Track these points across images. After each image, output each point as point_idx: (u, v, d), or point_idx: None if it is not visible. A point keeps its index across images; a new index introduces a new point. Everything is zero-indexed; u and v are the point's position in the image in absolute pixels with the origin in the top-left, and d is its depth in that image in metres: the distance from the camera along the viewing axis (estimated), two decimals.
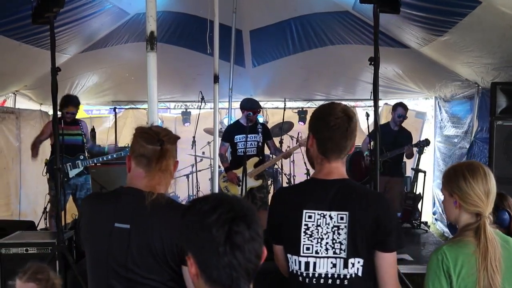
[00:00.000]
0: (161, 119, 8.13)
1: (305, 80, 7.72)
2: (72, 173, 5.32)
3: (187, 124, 8.38)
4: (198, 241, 1.09)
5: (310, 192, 1.83)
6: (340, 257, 1.74)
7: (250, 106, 5.38)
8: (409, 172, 7.09)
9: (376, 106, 3.26)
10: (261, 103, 6.42)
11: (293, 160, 7.05)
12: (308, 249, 1.76)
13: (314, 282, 1.76)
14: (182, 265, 1.69)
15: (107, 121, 8.90)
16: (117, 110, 8.17)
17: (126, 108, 8.71)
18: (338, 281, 1.74)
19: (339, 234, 1.74)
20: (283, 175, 7.17)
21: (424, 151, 6.17)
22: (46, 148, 5.55)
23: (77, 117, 5.63)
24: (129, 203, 1.76)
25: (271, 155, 6.06)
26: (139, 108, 8.64)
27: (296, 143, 5.67)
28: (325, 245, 1.75)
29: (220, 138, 5.49)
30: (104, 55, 6.32)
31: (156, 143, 1.78)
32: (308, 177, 6.36)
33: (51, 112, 6.76)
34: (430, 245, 5.05)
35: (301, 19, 6.06)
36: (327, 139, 1.81)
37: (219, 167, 5.54)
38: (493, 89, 4.36)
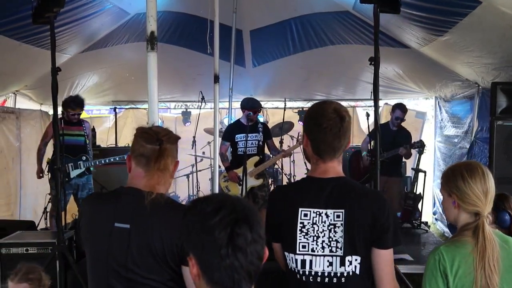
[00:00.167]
0: (161, 119, 8.15)
1: (305, 80, 7.72)
2: (74, 173, 5.32)
3: (187, 124, 8.38)
4: (200, 243, 1.08)
5: (306, 190, 1.83)
6: (336, 255, 1.74)
7: (251, 106, 5.39)
8: (409, 172, 7.09)
9: (376, 106, 3.26)
10: (262, 103, 6.42)
11: (293, 160, 7.06)
12: (304, 247, 1.77)
13: (311, 280, 1.77)
14: (182, 265, 1.69)
15: (107, 121, 8.91)
16: (117, 110, 8.19)
17: (126, 108, 8.71)
18: (335, 279, 1.75)
19: (335, 232, 1.74)
20: (283, 175, 7.17)
21: (424, 151, 6.17)
22: (49, 148, 5.56)
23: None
24: (129, 203, 1.76)
25: (271, 155, 6.07)
26: (139, 108, 8.64)
27: (297, 143, 5.67)
28: (321, 243, 1.75)
29: (221, 138, 5.49)
30: (105, 55, 6.32)
31: (155, 143, 1.78)
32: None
33: (51, 112, 6.76)
34: (430, 245, 5.05)
35: (301, 19, 6.06)
36: (320, 141, 1.81)
37: (219, 167, 5.55)
38: (493, 89, 4.36)
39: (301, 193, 1.83)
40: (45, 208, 5.68)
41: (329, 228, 1.75)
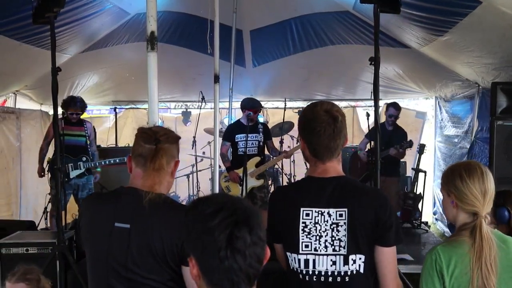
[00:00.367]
0: (161, 119, 8.15)
1: (305, 80, 7.72)
2: (73, 173, 5.31)
3: (188, 124, 8.38)
4: (200, 244, 1.08)
5: (307, 190, 1.84)
6: (340, 254, 1.74)
7: (251, 106, 5.39)
8: (409, 172, 7.09)
9: (376, 106, 3.26)
10: (262, 103, 6.42)
11: (294, 160, 7.06)
12: (307, 246, 1.77)
13: (315, 279, 1.77)
14: (182, 265, 1.69)
15: (107, 121, 8.91)
16: (117, 110, 8.19)
17: (126, 108, 8.71)
18: (339, 278, 1.75)
19: (338, 231, 1.74)
20: (284, 175, 7.17)
21: (425, 151, 6.17)
22: (51, 148, 5.56)
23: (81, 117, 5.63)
24: (129, 203, 1.76)
25: (271, 155, 6.07)
26: (140, 108, 8.64)
27: (297, 143, 5.67)
28: (324, 243, 1.75)
29: (221, 138, 5.49)
30: (105, 55, 6.32)
31: (152, 142, 1.78)
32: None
33: (51, 112, 6.76)
34: (430, 245, 5.06)
35: (301, 19, 6.06)
36: (316, 144, 1.82)
37: (220, 167, 5.55)
38: (494, 89, 4.36)
39: (302, 193, 1.83)
40: (45, 208, 5.68)
41: (332, 227, 1.75)
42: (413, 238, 5.66)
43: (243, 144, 5.32)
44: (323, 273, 1.76)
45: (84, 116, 5.76)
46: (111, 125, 8.55)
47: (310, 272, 1.77)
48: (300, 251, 1.78)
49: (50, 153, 5.51)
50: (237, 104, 6.59)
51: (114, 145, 7.72)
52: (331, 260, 1.75)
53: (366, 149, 5.96)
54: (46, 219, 5.70)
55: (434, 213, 7.39)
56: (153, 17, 2.88)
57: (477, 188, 1.77)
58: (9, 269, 3.65)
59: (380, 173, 3.24)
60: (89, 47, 5.99)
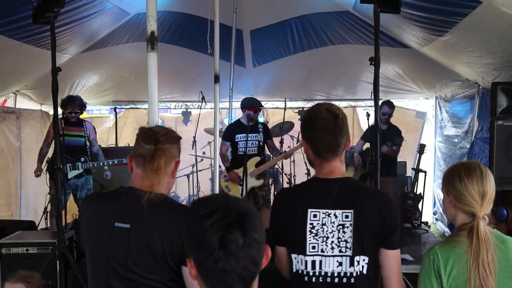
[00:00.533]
0: (161, 119, 8.15)
1: (305, 80, 7.72)
2: (71, 174, 5.31)
3: (189, 124, 8.38)
4: (196, 245, 1.09)
5: (314, 191, 1.84)
6: (346, 255, 1.75)
7: (251, 105, 5.39)
8: (409, 172, 7.09)
9: (376, 106, 3.26)
10: (262, 103, 6.41)
11: (294, 160, 7.05)
12: (314, 248, 1.77)
13: (321, 280, 1.77)
14: (182, 265, 1.68)
15: (107, 121, 8.91)
16: (117, 110, 8.19)
17: (126, 108, 8.72)
18: (344, 279, 1.76)
19: (344, 232, 1.75)
20: (284, 175, 7.17)
21: (425, 151, 6.17)
22: (51, 148, 5.57)
23: (80, 117, 5.63)
24: (129, 203, 1.76)
25: (271, 155, 6.07)
26: (140, 108, 8.64)
27: (297, 143, 5.67)
28: (331, 244, 1.76)
29: (221, 138, 5.49)
30: (105, 55, 6.32)
31: (151, 143, 1.78)
32: (309, 177, 6.33)
33: (51, 112, 6.76)
34: (430, 245, 5.05)
35: (301, 19, 6.06)
36: (318, 142, 1.83)
37: (220, 167, 5.55)
38: (494, 89, 4.35)
39: (309, 194, 1.84)
40: (45, 208, 5.68)
41: (338, 228, 1.76)
42: (413, 238, 5.66)
43: (243, 144, 5.32)
44: (329, 274, 1.77)
45: (84, 116, 5.77)
46: (111, 125, 8.56)
47: (317, 273, 1.78)
48: (307, 253, 1.78)
49: (49, 154, 5.51)
50: (237, 104, 6.59)
51: (114, 145, 7.72)
52: (338, 261, 1.76)
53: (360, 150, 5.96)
54: (46, 219, 5.70)
55: (434, 213, 7.39)
56: (153, 17, 2.88)
57: (475, 189, 1.77)
58: (9, 269, 3.67)
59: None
60: (89, 47, 5.99)
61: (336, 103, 8.54)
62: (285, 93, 7.51)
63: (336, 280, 1.76)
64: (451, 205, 1.84)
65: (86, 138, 5.49)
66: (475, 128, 5.68)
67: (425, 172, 6.36)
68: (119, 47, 6.19)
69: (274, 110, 8.65)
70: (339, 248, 1.75)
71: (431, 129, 8.03)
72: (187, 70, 7.18)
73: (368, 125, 5.52)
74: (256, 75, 7.48)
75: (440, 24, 4.41)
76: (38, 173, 5.41)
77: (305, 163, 6.86)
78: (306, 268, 1.79)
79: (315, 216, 1.78)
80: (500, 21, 3.76)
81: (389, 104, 5.95)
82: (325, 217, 1.77)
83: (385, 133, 5.87)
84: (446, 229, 6.38)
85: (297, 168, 7.21)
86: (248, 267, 1.07)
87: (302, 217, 1.79)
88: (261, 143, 5.53)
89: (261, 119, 6.71)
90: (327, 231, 1.76)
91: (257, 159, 5.46)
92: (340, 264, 1.76)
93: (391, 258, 1.78)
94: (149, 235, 1.69)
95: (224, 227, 1.05)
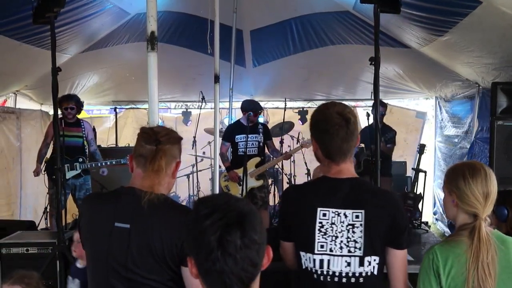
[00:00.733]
0: (161, 119, 8.14)
1: (305, 80, 7.72)
2: (69, 174, 5.30)
3: (189, 124, 8.38)
4: (196, 244, 1.09)
5: (324, 190, 1.85)
6: (355, 256, 1.75)
7: (252, 108, 5.39)
8: (409, 172, 7.09)
9: (376, 106, 3.26)
10: (262, 103, 6.41)
11: (294, 160, 7.05)
12: (322, 246, 1.78)
13: (329, 279, 1.78)
14: (182, 265, 1.68)
15: (107, 121, 8.91)
16: (117, 110, 8.19)
17: (126, 108, 8.72)
18: (353, 279, 1.76)
19: (353, 232, 1.75)
20: (284, 175, 7.16)
21: (425, 151, 6.17)
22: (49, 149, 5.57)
23: (80, 117, 5.63)
24: (129, 203, 1.76)
25: (270, 156, 6.06)
26: (140, 108, 8.64)
27: (297, 144, 5.67)
28: (340, 244, 1.76)
29: (221, 138, 5.49)
30: (105, 55, 6.33)
31: (152, 143, 1.78)
32: (309, 177, 6.31)
33: (51, 112, 6.77)
34: (430, 245, 5.01)
35: (301, 19, 6.06)
36: (329, 146, 1.83)
37: (220, 167, 5.55)
38: (494, 89, 4.36)
39: (319, 193, 1.85)
40: (46, 208, 5.68)
41: (348, 228, 1.76)
42: (413, 238, 5.65)
43: (243, 145, 5.32)
44: (337, 274, 1.77)
45: (84, 116, 5.76)
46: (111, 125, 8.55)
47: (325, 272, 1.78)
48: (316, 251, 1.78)
49: (48, 154, 5.51)
50: (237, 104, 6.59)
51: (114, 145, 7.72)
52: (346, 261, 1.76)
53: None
54: (46, 219, 5.70)
55: (434, 213, 7.39)
56: (153, 17, 2.88)
57: (479, 189, 1.76)
58: (9, 269, 3.67)
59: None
60: (89, 47, 5.99)
61: None
62: (285, 93, 7.51)
63: (344, 280, 1.76)
64: (453, 205, 1.84)
65: (84, 138, 5.49)
66: (475, 128, 5.68)
67: (425, 172, 6.35)
68: (119, 47, 6.20)
69: (274, 110, 8.65)
70: (348, 248, 1.76)
71: (431, 129, 8.03)
72: (187, 70, 7.18)
73: (368, 124, 5.51)
74: (256, 75, 7.49)
75: (440, 24, 4.41)
76: (37, 173, 5.41)
77: (305, 163, 6.89)
78: (314, 266, 1.79)
79: (324, 215, 1.78)
80: (500, 21, 3.76)
81: (382, 103, 5.95)
82: (334, 217, 1.77)
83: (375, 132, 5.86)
84: (446, 229, 6.38)
85: (297, 168, 7.21)
86: (246, 268, 1.06)
87: (312, 216, 1.79)
88: (261, 144, 5.52)
89: (261, 120, 6.71)
90: (336, 230, 1.76)
91: (257, 159, 5.46)
92: (349, 264, 1.76)
93: (399, 258, 1.80)
94: (149, 235, 1.69)
95: (222, 227, 1.05)
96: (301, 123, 8.20)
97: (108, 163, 5.52)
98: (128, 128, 8.70)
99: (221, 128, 6.37)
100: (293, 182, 7.11)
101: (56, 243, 3.68)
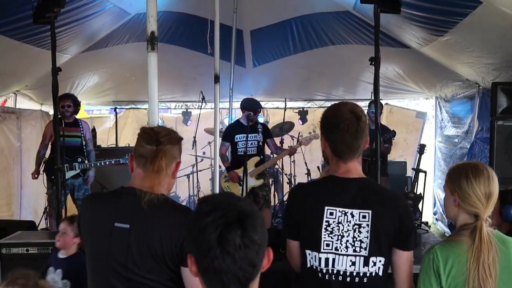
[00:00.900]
0: (161, 119, 8.14)
1: (305, 80, 7.73)
2: (68, 174, 5.29)
3: (189, 123, 8.38)
4: (196, 241, 1.09)
5: (331, 189, 1.85)
6: (360, 255, 1.76)
7: (251, 106, 5.39)
8: (409, 172, 7.09)
9: (376, 106, 3.27)
10: (262, 103, 6.40)
11: (294, 160, 7.05)
12: (328, 245, 1.78)
13: (334, 278, 1.78)
14: (181, 266, 1.68)
15: (107, 121, 8.91)
16: (117, 110, 8.19)
17: (126, 108, 8.72)
18: (357, 279, 1.77)
19: (360, 232, 1.76)
20: (284, 175, 7.17)
21: (425, 151, 6.16)
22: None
23: (78, 117, 5.62)
24: (129, 203, 1.76)
25: (271, 155, 6.06)
26: (140, 108, 8.65)
27: (297, 143, 5.66)
28: (345, 243, 1.77)
29: (221, 138, 5.49)
30: (105, 55, 6.33)
31: (153, 143, 1.78)
32: (309, 177, 6.30)
33: (51, 112, 6.76)
34: (430, 245, 5.00)
35: (301, 19, 6.07)
36: (338, 142, 1.83)
37: (220, 167, 5.55)
38: (494, 89, 4.36)
39: (327, 192, 1.85)
40: (46, 208, 5.67)
41: (354, 228, 1.76)
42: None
43: (243, 144, 5.32)
44: (341, 273, 1.78)
45: (84, 116, 5.76)
46: (111, 125, 8.55)
47: (330, 271, 1.78)
48: (322, 250, 1.78)
49: (47, 155, 5.50)
50: (237, 104, 6.59)
51: (115, 145, 7.72)
52: (351, 260, 1.77)
53: None
54: (46, 219, 5.70)
55: (435, 213, 7.39)
56: (154, 17, 2.88)
57: (481, 190, 1.76)
58: (9, 269, 3.66)
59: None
60: (90, 47, 6.00)
61: (336, 103, 8.56)
62: (285, 93, 7.52)
63: (348, 279, 1.77)
64: (454, 204, 1.83)
65: (83, 138, 5.49)
66: (475, 128, 5.68)
67: (425, 172, 6.34)
68: (119, 47, 6.20)
69: (274, 110, 8.65)
70: (354, 248, 1.76)
71: (431, 129, 8.03)
72: (187, 70, 7.18)
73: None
74: (256, 75, 7.49)
75: (440, 24, 4.41)
76: (36, 175, 5.41)
77: (305, 163, 6.89)
78: (319, 265, 1.79)
79: (331, 214, 1.78)
80: (500, 21, 3.76)
81: (374, 104, 5.93)
82: (341, 216, 1.78)
83: (373, 133, 5.85)
84: (446, 229, 6.37)
85: (297, 168, 7.21)
86: (244, 268, 1.06)
87: (319, 214, 1.79)
88: (260, 143, 5.52)
89: (261, 119, 6.71)
90: (342, 229, 1.77)
91: (257, 159, 5.46)
92: (353, 263, 1.76)
93: (405, 260, 1.80)
94: (149, 235, 1.69)
95: (223, 226, 1.04)
96: (301, 123, 8.21)
97: (107, 162, 5.52)
98: (128, 128, 8.69)
99: (221, 128, 6.37)
100: (293, 182, 7.11)
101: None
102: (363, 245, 1.75)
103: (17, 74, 5.85)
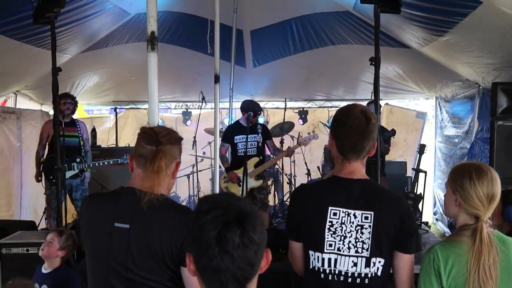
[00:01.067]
0: (162, 119, 8.14)
1: (305, 80, 7.73)
2: (67, 174, 5.29)
3: (188, 123, 8.38)
4: (195, 239, 1.09)
5: (335, 189, 1.85)
6: (362, 256, 1.76)
7: (251, 108, 5.38)
8: (409, 172, 7.09)
9: (376, 106, 3.27)
10: (262, 103, 6.41)
11: (294, 160, 7.05)
12: (330, 245, 1.79)
13: (335, 278, 1.79)
14: (181, 266, 1.68)
15: (107, 121, 8.90)
16: (118, 110, 8.19)
17: (126, 108, 8.72)
18: (358, 280, 1.78)
19: (362, 233, 1.77)
20: (284, 175, 7.17)
21: (425, 151, 6.16)
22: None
23: (78, 117, 5.63)
24: (129, 203, 1.76)
25: (271, 156, 6.06)
26: (140, 108, 8.65)
27: (297, 143, 5.66)
28: (348, 244, 1.77)
29: (220, 139, 5.48)
30: (105, 55, 6.33)
31: (153, 144, 1.78)
32: (309, 177, 6.29)
33: (51, 112, 6.77)
34: (430, 245, 5.01)
35: (301, 19, 6.07)
36: (345, 140, 1.84)
37: (220, 167, 5.55)
38: (494, 89, 4.36)
39: (330, 192, 1.85)
40: (46, 208, 5.68)
41: (357, 229, 1.77)
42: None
43: (243, 145, 5.32)
44: (343, 273, 1.78)
45: (84, 116, 5.77)
46: (111, 125, 8.55)
47: (332, 271, 1.79)
48: (325, 250, 1.79)
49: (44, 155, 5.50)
50: (237, 105, 6.59)
51: (115, 145, 7.72)
52: (353, 261, 1.77)
53: None
54: (46, 219, 5.70)
55: (435, 213, 7.39)
56: (154, 17, 2.88)
57: (484, 192, 1.76)
58: (9, 269, 3.67)
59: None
60: (90, 47, 6.00)
61: (336, 103, 8.58)
62: (285, 93, 7.52)
63: (350, 280, 1.78)
64: (455, 204, 1.83)
65: (80, 138, 5.49)
66: (475, 128, 5.67)
67: (425, 172, 6.35)
68: (119, 47, 6.20)
69: (274, 110, 8.65)
70: (356, 249, 1.77)
71: (431, 129, 8.02)
72: (187, 70, 7.18)
73: None
74: (256, 75, 7.49)
75: (440, 24, 4.41)
76: (40, 178, 5.41)
77: (305, 163, 6.89)
78: (322, 265, 1.80)
79: (335, 214, 1.79)
80: (500, 21, 3.76)
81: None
82: (344, 216, 1.78)
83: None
84: (446, 229, 6.37)
85: (297, 168, 7.21)
86: (243, 267, 1.06)
87: (322, 214, 1.80)
88: (260, 144, 5.52)
89: (261, 120, 6.71)
90: (345, 230, 1.77)
91: (256, 159, 5.46)
92: (355, 264, 1.77)
93: (407, 262, 1.81)
94: (149, 235, 1.69)
95: (222, 224, 1.04)
96: (301, 123, 8.21)
97: (106, 162, 5.52)
98: (128, 128, 8.69)
99: (221, 128, 6.37)
100: (293, 183, 7.11)
101: None
102: (365, 246, 1.76)
103: (17, 74, 5.85)
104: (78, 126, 5.50)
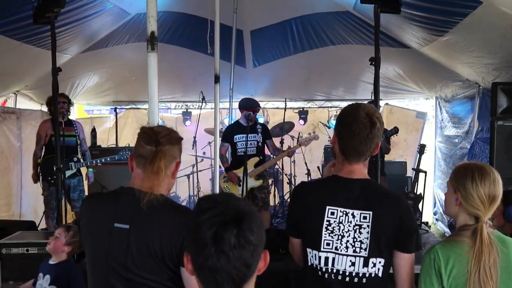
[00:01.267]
0: (162, 119, 8.15)
1: (305, 80, 7.73)
2: (66, 174, 5.29)
3: (188, 123, 8.38)
4: (192, 239, 1.09)
5: (334, 189, 1.86)
6: (360, 256, 1.76)
7: (250, 106, 5.38)
8: (409, 172, 7.09)
9: (376, 106, 3.27)
10: (262, 103, 6.41)
11: (294, 160, 7.06)
12: (328, 244, 1.79)
13: (333, 277, 1.79)
14: (181, 266, 1.68)
15: (107, 121, 8.91)
16: (118, 110, 8.19)
17: (127, 108, 8.72)
18: (356, 279, 1.77)
19: (360, 233, 1.76)
20: (284, 175, 7.17)
21: (425, 151, 6.16)
22: None
23: (78, 117, 5.63)
24: (128, 203, 1.76)
25: (271, 155, 6.06)
26: (140, 108, 8.65)
27: (297, 143, 5.66)
28: (346, 243, 1.77)
29: (220, 139, 5.48)
30: (105, 55, 6.33)
31: (152, 144, 1.78)
32: (309, 177, 6.29)
33: None
34: (430, 245, 5.01)
35: (302, 19, 6.07)
36: (348, 142, 1.83)
37: (220, 167, 5.54)
38: (494, 89, 4.36)
39: (329, 191, 1.86)
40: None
41: (355, 228, 1.77)
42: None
43: (242, 145, 5.31)
44: (341, 272, 1.78)
45: (84, 116, 5.77)
46: (111, 125, 8.55)
47: (329, 270, 1.79)
48: (321, 249, 1.79)
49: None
50: (237, 105, 6.59)
51: (115, 145, 7.72)
52: (350, 260, 1.77)
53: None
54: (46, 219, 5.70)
55: (435, 213, 7.39)
56: (154, 17, 2.88)
57: (485, 192, 1.76)
58: (10, 269, 3.66)
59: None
60: (90, 47, 6.00)
61: (336, 103, 8.59)
62: (285, 93, 7.52)
63: (347, 279, 1.78)
64: (456, 203, 1.83)
65: (77, 137, 5.49)
66: (475, 128, 5.67)
67: (425, 172, 6.35)
68: (119, 47, 6.20)
69: (274, 110, 8.66)
70: (354, 248, 1.77)
71: (432, 129, 8.02)
72: (187, 70, 7.18)
73: None
74: (256, 75, 7.49)
75: (440, 24, 4.41)
76: (37, 179, 5.40)
77: (305, 163, 6.90)
78: (319, 263, 1.80)
79: (332, 213, 1.79)
80: (500, 21, 3.76)
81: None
82: (342, 216, 1.78)
83: None
84: (447, 229, 6.37)
85: (297, 168, 7.22)
86: (239, 267, 1.06)
87: (320, 213, 1.80)
88: (260, 144, 5.51)
89: (261, 120, 6.71)
90: (343, 229, 1.78)
91: (256, 159, 5.45)
92: (353, 264, 1.77)
93: (407, 262, 1.81)
94: (149, 236, 1.69)
95: (218, 224, 1.04)
96: (301, 123, 8.22)
97: (104, 160, 5.52)
98: (128, 128, 8.70)
99: (221, 128, 6.37)
100: (293, 182, 7.11)
101: None
102: (363, 246, 1.76)
103: (17, 74, 5.85)
104: (74, 126, 5.52)
